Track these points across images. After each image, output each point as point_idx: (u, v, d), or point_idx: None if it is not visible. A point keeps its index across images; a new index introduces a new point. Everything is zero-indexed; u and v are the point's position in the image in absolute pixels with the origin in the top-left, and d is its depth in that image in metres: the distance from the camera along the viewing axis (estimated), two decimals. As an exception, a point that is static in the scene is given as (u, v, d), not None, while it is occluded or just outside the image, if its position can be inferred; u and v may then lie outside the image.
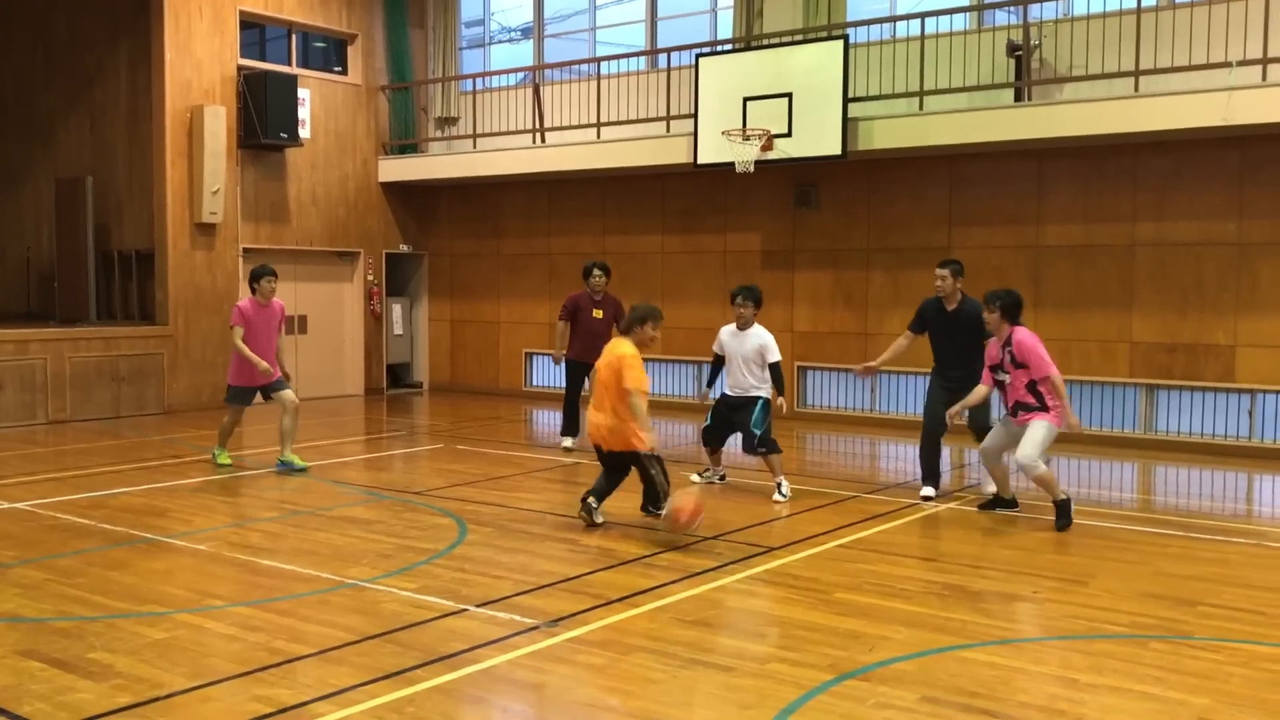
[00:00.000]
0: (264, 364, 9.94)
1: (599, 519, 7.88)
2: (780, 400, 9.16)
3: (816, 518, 8.42)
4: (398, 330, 17.87)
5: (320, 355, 16.74)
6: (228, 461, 10.44)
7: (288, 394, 10.22)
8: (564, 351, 11.48)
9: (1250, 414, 11.73)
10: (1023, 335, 8.10)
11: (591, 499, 7.90)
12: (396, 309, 17.85)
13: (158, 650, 5.21)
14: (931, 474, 9.14)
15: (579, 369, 11.45)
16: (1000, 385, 8.24)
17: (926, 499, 8.95)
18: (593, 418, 7.85)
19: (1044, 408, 7.98)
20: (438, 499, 8.95)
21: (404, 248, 17.76)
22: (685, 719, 4.46)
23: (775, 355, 9.17)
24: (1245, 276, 11.65)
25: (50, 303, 15.51)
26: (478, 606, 5.94)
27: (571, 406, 11.59)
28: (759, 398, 9.12)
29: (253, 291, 10.16)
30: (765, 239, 14.69)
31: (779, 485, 9.07)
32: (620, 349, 7.73)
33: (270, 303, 10.17)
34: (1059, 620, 5.84)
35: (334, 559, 6.96)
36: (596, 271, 11.39)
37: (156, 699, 4.59)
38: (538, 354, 16.88)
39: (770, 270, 14.53)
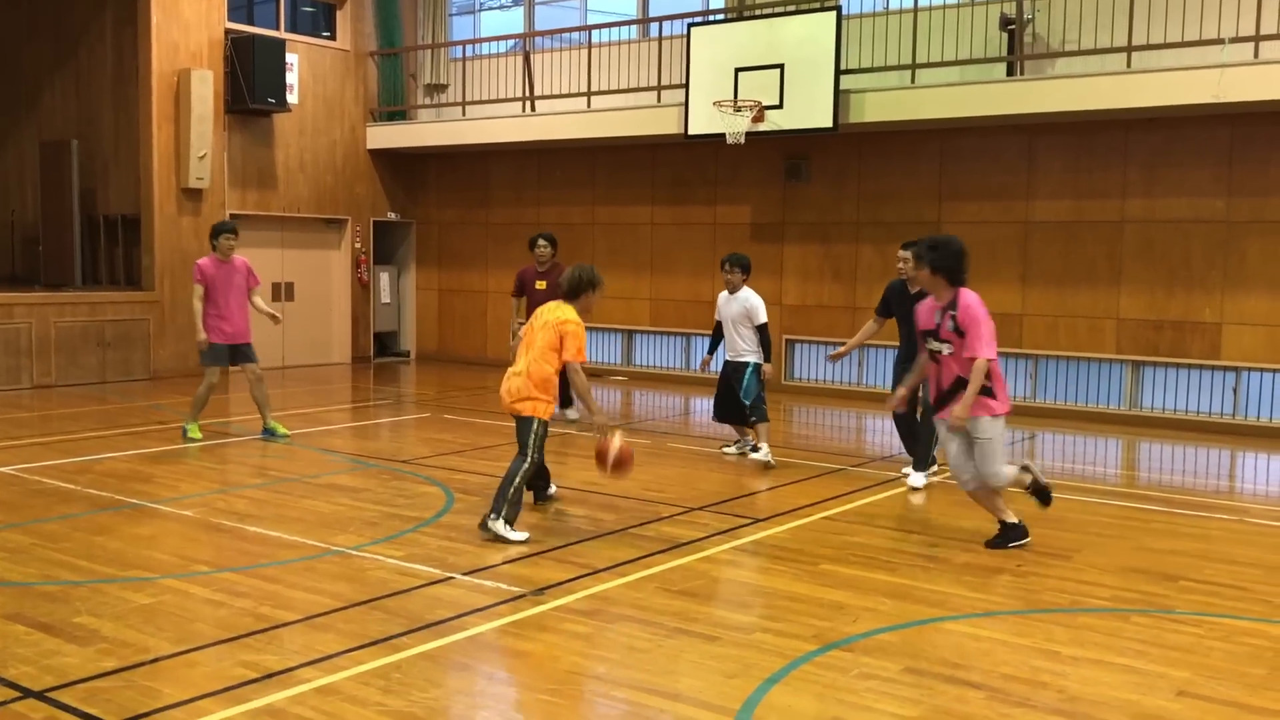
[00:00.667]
0: (202, 334, 9.79)
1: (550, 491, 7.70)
2: (767, 367, 9.24)
3: (802, 490, 8.44)
4: (385, 298, 17.81)
5: (307, 323, 16.69)
6: (199, 436, 9.99)
7: (252, 366, 10.07)
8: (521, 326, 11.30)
9: (1235, 391, 11.80)
10: (971, 300, 6.65)
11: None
12: (384, 277, 17.78)
13: (143, 615, 5.21)
14: (921, 460, 8.68)
15: None
16: (934, 357, 6.84)
17: (915, 488, 8.52)
18: (507, 380, 6.83)
19: (990, 393, 6.66)
20: (424, 468, 8.95)
21: (392, 215, 17.67)
22: (670, 688, 4.49)
23: (761, 317, 9.23)
24: (1233, 254, 11.68)
25: (35, 266, 15.41)
26: (464, 575, 5.95)
27: None
28: (749, 363, 9.21)
29: (213, 249, 9.99)
30: (755, 211, 14.66)
31: (760, 448, 9.23)
32: (563, 313, 6.68)
33: (231, 260, 9.95)
34: (1042, 593, 5.88)
35: (320, 526, 6.96)
36: (541, 242, 11.12)
37: (142, 663, 4.60)
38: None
39: (759, 243, 14.51)
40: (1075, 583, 6.08)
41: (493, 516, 6.67)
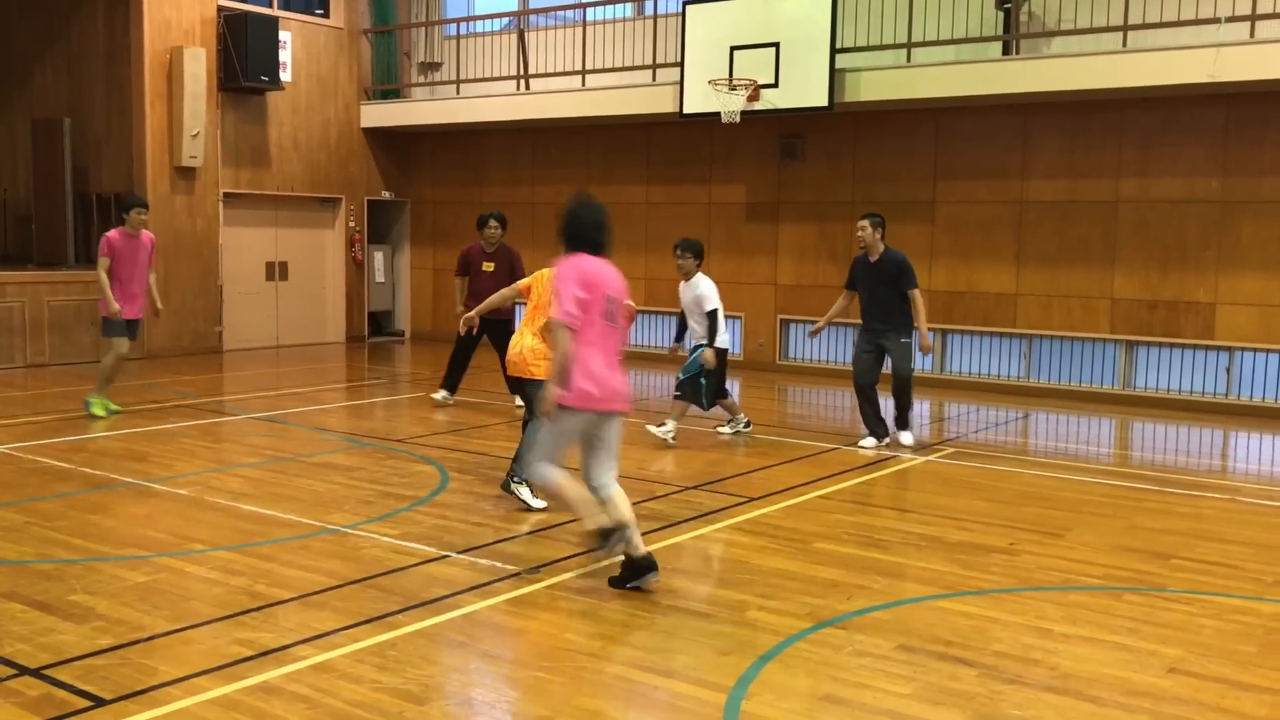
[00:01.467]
0: (115, 305, 9.73)
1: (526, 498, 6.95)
2: (707, 353, 9.06)
3: (797, 469, 8.47)
4: (379, 278, 17.78)
5: (301, 302, 16.66)
6: (104, 413, 9.88)
7: (124, 340, 9.98)
8: (464, 308, 11.15)
9: (1228, 371, 11.82)
10: (561, 265, 5.54)
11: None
12: (378, 256, 17.75)
13: (139, 593, 5.22)
14: (873, 427, 9.30)
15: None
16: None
17: (865, 449, 9.14)
18: (518, 341, 6.90)
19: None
20: (419, 447, 8.95)
21: (386, 194, 17.62)
22: (664, 665, 4.51)
23: (710, 304, 9.13)
24: (1227, 234, 11.69)
25: (28, 245, 15.35)
26: (459, 553, 5.97)
27: (457, 363, 11.03)
28: (699, 346, 9.21)
29: (122, 222, 9.95)
30: (750, 191, 14.64)
31: (665, 424, 9.19)
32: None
33: (139, 234, 9.92)
34: (1034, 572, 5.91)
35: (315, 505, 6.97)
36: (492, 223, 10.85)
37: (138, 641, 4.61)
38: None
39: (755, 222, 14.50)
40: (1068, 561, 6.11)
41: (516, 480, 6.88)
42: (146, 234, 10.05)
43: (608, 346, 5.44)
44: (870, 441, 9.24)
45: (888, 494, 7.70)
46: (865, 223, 9.28)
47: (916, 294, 9.14)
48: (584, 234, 5.53)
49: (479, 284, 10.53)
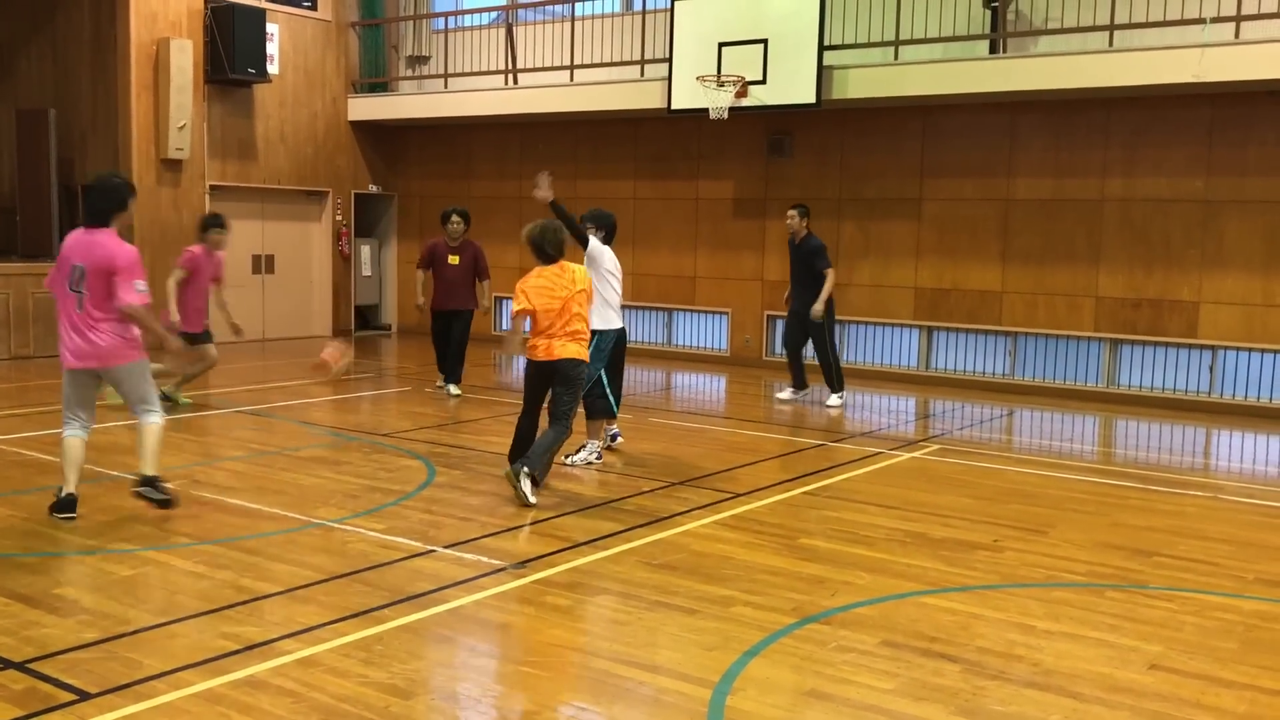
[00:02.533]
0: (176, 316, 9.86)
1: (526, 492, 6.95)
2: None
3: (783, 465, 8.49)
4: (366, 271, 17.74)
5: (288, 295, 16.61)
6: (183, 401, 10.32)
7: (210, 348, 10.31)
8: (428, 300, 11.33)
9: (1211, 370, 11.90)
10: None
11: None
12: (365, 250, 17.71)
13: (124, 586, 5.22)
14: (796, 380, 11.66)
15: (438, 318, 11.28)
16: None
17: (781, 400, 11.54)
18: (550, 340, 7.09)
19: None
20: (406, 441, 8.95)
21: (373, 188, 17.58)
22: (650, 660, 4.53)
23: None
24: (1211, 233, 11.76)
25: (12, 237, 15.24)
26: (445, 548, 5.98)
27: (441, 354, 11.46)
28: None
29: (201, 240, 10.13)
30: (738, 187, 14.66)
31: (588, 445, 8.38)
32: (582, 272, 7.23)
33: (214, 253, 10.13)
34: (1018, 568, 5.95)
35: (301, 499, 6.96)
36: (455, 218, 11.15)
37: (123, 635, 4.61)
38: (505, 298, 16.80)
39: (742, 219, 14.51)
40: (1051, 558, 6.15)
41: (525, 471, 6.92)
42: (220, 253, 10.23)
43: None
44: (786, 393, 11.63)
45: (872, 490, 7.73)
46: (794, 212, 11.35)
47: (829, 274, 11.10)
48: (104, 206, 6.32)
49: (445, 275, 11.16)
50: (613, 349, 8.31)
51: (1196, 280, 11.87)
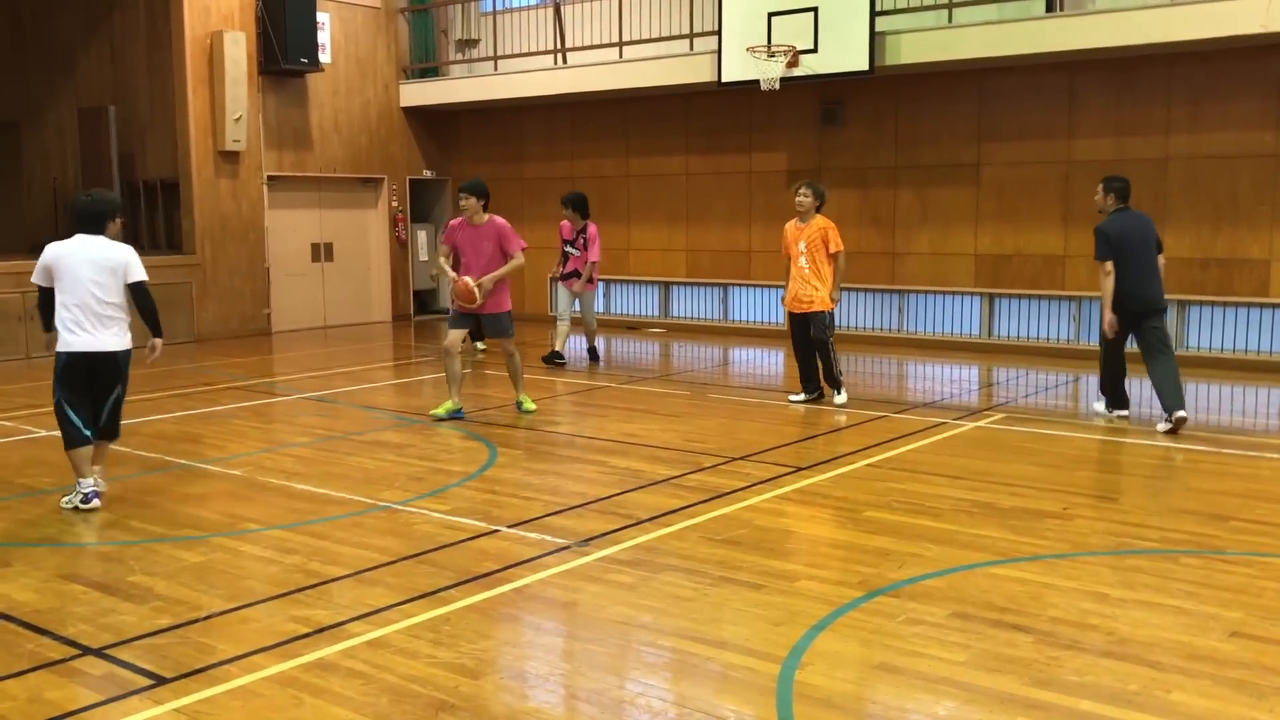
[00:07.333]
0: (452, 274, 9.13)
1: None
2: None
3: (844, 437, 8.42)
4: (423, 256, 17.85)
5: (347, 282, 16.77)
6: (533, 407, 9.43)
7: (506, 342, 9.42)
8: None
9: (1284, 329, 11.58)
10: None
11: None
12: (421, 235, 17.81)
13: (195, 573, 5.30)
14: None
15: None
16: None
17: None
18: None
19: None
20: (467, 423, 9.00)
21: (427, 173, 17.67)
22: (716, 636, 4.51)
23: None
24: (1282, 189, 11.43)
25: (78, 233, 15.53)
26: (509, 527, 6.00)
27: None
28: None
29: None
30: (791, 158, 14.52)
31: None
32: (822, 221, 9.70)
33: (476, 224, 9.19)
34: (1089, 536, 5.84)
35: (366, 482, 7.03)
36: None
37: (196, 620, 4.68)
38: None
39: (796, 190, 14.36)
40: (1123, 525, 6.03)
41: (836, 391, 9.45)
42: (496, 219, 9.34)
43: None
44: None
45: (937, 461, 7.63)
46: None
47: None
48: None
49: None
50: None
51: (1267, 237, 11.55)
